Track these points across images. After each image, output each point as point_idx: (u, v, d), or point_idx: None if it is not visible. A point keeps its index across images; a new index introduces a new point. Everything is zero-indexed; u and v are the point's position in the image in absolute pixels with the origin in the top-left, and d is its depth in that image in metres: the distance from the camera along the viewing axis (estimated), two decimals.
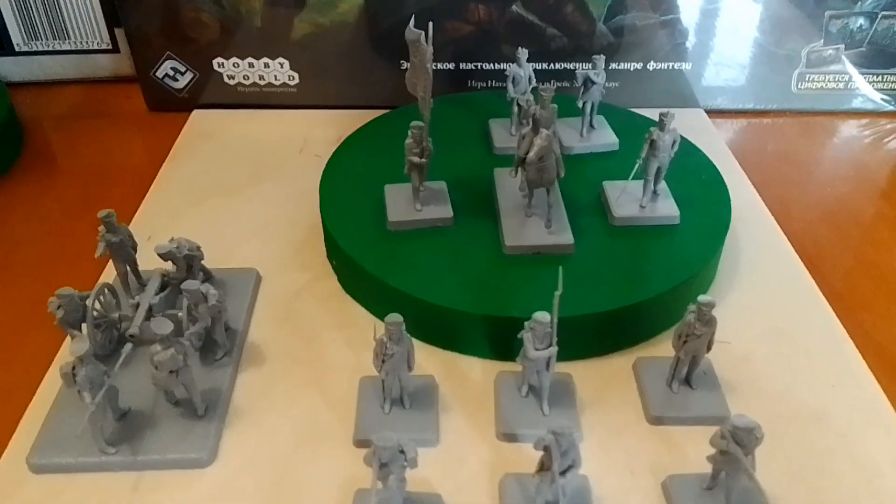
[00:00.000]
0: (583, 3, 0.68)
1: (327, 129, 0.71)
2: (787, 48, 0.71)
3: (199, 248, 0.48)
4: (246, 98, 0.74)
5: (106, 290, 0.45)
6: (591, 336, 0.46)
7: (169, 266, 0.48)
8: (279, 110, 0.74)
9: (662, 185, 0.53)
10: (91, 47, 0.77)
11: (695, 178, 0.56)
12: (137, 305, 0.46)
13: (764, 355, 0.47)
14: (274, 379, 0.46)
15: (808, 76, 0.73)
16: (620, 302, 0.45)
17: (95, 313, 0.44)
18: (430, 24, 0.45)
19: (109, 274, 0.52)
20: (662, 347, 0.47)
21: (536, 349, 0.40)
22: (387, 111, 0.66)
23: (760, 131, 0.74)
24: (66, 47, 0.77)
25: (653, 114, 0.62)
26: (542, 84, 0.49)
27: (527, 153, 0.47)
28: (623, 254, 0.49)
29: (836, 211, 0.63)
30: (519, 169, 0.50)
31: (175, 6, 0.68)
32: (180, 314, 0.44)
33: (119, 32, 0.76)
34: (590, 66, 0.58)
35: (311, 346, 0.48)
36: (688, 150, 0.58)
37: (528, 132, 0.48)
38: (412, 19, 0.46)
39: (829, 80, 0.73)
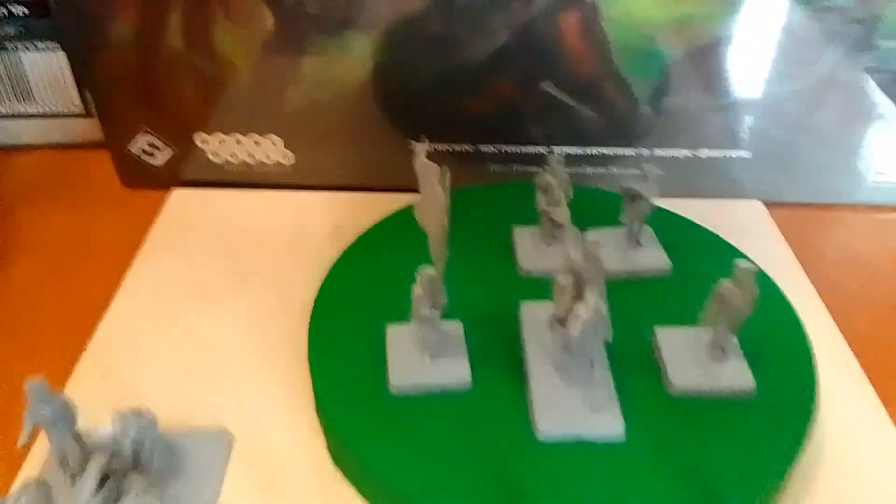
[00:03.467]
0: (625, 82, 0.58)
1: (326, 215, 0.61)
2: (859, 135, 0.61)
3: (152, 423, 0.38)
4: (234, 177, 0.64)
5: (34, 488, 0.36)
6: None
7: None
8: (272, 191, 0.64)
9: (732, 338, 0.43)
10: (60, 111, 0.68)
11: (765, 321, 0.46)
12: None
13: None
14: None
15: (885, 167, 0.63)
16: None
17: None
18: (448, 172, 0.35)
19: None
20: None
21: None
22: (395, 203, 0.56)
23: (829, 229, 0.63)
24: (32, 111, 0.67)
25: (703, 208, 0.53)
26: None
27: (565, 317, 0.37)
28: (684, 442, 0.39)
29: None
30: (556, 325, 0.40)
31: (150, 74, 0.59)
32: None
33: None
34: (638, 177, 0.48)
35: None
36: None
37: (567, 288, 0.38)
38: (424, 145, 0.36)
39: None
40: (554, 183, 0.48)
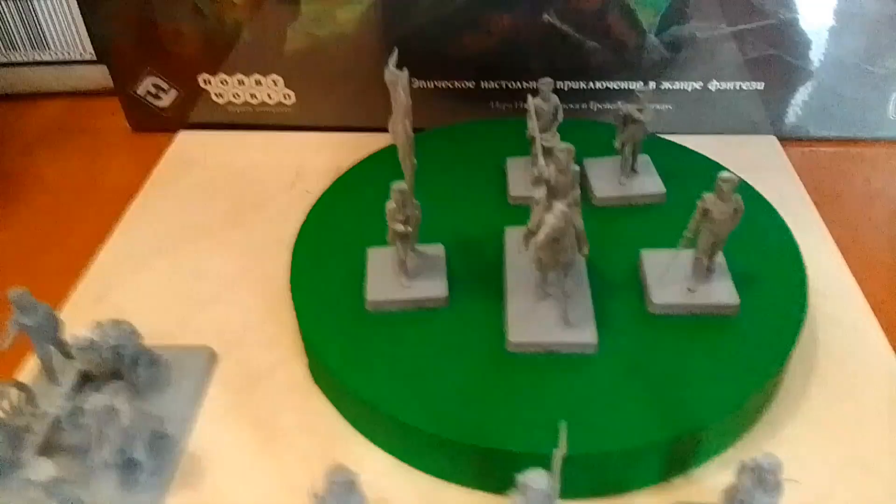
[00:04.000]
0: (630, 11, 0.56)
1: (325, 155, 0.61)
2: (883, 66, 0.58)
3: (132, 332, 0.39)
4: (238, 118, 0.65)
5: (14, 391, 0.37)
6: (606, 473, 0.35)
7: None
8: (274, 132, 0.65)
9: (719, 259, 0.41)
10: (73, 58, 0.69)
11: (761, 244, 0.44)
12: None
13: (846, 500, 0.36)
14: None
15: None
16: (650, 434, 0.35)
17: None
18: (406, 70, 0.34)
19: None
20: (697, 489, 0.36)
21: None
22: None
23: (847, 165, 0.60)
24: (46, 58, 0.69)
25: (713, 144, 0.51)
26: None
27: (536, 230, 0.36)
28: (660, 358, 0.38)
29: None
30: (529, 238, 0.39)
31: (150, 17, 0.59)
32: None
33: None
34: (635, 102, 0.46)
35: (271, 455, 0.38)
36: (752, 202, 0.46)
37: (542, 201, 0.37)
38: (394, 55, 0.36)
39: None
40: (543, 107, 0.47)
